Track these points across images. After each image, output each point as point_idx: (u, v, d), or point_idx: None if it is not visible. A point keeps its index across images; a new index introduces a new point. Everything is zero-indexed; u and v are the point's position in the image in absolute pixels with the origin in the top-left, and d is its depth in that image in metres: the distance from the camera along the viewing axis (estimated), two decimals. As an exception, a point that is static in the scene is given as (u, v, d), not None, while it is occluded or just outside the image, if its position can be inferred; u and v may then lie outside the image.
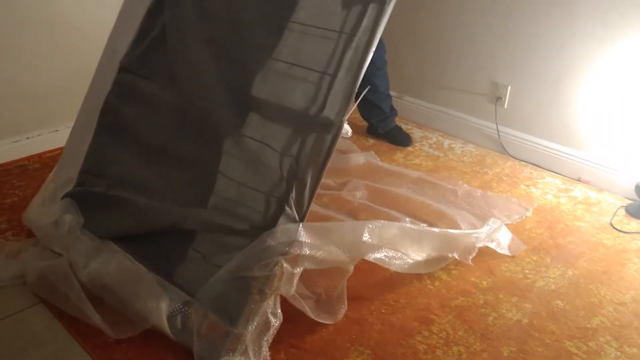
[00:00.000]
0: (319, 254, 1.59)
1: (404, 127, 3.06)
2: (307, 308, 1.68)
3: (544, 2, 2.56)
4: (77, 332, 1.67)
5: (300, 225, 1.57)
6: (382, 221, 1.87)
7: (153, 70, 1.91)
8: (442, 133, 3.09)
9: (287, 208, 1.56)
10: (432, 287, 1.94)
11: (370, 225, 1.73)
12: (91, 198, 1.90)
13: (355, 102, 1.57)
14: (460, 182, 2.54)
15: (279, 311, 1.59)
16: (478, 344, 1.72)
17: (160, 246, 1.75)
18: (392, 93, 3.07)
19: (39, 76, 2.60)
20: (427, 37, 3.04)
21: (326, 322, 1.72)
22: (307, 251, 1.57)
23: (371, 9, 1.54)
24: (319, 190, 2.34)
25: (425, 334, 1.75)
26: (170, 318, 1.61)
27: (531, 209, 2.38)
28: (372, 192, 2.38)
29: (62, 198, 1.92)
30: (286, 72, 1.66)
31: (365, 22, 1.54)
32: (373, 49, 1.54)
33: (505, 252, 2.09)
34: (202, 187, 1.73)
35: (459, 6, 2.86)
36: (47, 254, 1.86)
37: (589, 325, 1.81)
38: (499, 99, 2.85)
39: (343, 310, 1.75)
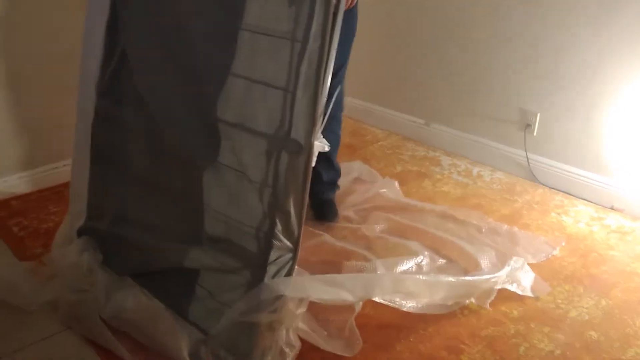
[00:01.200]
0: (325, 297, 1.59)
1: (431, 154, 3.05)
2: (320, 341, 1.68)
3: (572, 28, 2.56)
4: (108, 357, 1.68)
5: (305, 276, 1.57)
6: (395, 273, 1.86)
7: (125, 93, 1.79)
8: (471, 160, 3.07)
9: (275, 242, 1.52)
10: (461, 316, 1.92)
11: (383, 281, 1.73)
12: (101, 234, 1.88)
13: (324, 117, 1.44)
14: (486, 217, 2.46)
15: (294, 340, 1.60)
16: (509, 374, 1.69)
17: (170, 282, 1.74)
18: (419, 120, 3.03)
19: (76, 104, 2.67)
20: (457, 65, 3.05)
21: (343, 355, 1.71)
22: (312, 296, 1.57)
23: (318, 7, 1.36)
24: (339, 224, 2.35)
25: (455, 364, 1.73)
26: (192, 355, 1.61)
27: (558, 248, 2.29)
28: (392, 225, 2.33)
29: (77, 235, 1.92)
30: (246, 91, 1.53)
31: (315, 26, 1.37)
32: (329, 59, 1.39)
33: (528, 293, 2.00)
34: (194, 222, 1.68)
35: (489, 35, 2.87)
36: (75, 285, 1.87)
37: (623, 357, 1.77)
38: (528, 126, 2.83)
39: (358, 345, 1.73)
